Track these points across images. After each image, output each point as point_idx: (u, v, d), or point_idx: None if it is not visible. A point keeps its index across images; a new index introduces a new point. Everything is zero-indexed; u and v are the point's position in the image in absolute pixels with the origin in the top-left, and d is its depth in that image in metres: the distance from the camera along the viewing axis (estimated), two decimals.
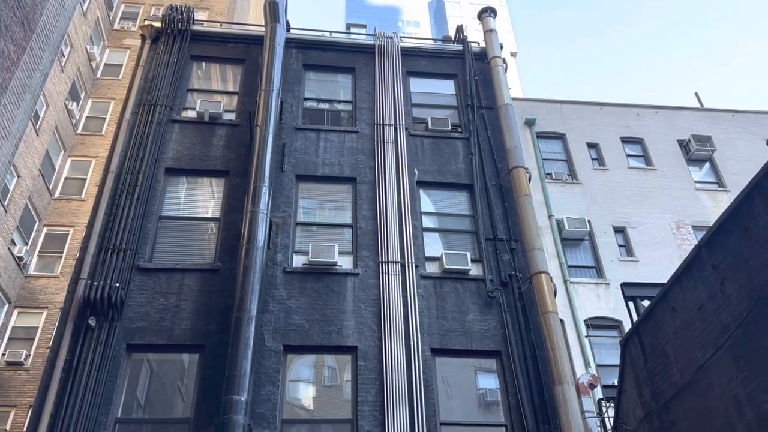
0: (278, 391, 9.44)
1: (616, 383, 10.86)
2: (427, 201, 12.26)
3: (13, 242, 20.60)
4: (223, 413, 8.39)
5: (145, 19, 14.12)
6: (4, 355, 19.82)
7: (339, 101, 13.66)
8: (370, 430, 9.20)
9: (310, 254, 10.75)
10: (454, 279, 11.01)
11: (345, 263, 11.02)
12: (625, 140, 19.51)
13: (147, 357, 9.84)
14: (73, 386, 9.01)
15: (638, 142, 19.59)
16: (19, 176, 20.65)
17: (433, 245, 11.62)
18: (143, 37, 13.63)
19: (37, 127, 21.73)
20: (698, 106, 21.96)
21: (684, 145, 19.48)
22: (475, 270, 11.23)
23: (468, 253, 11.22)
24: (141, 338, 9.74)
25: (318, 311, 10.32)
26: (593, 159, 18.89)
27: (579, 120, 19.62)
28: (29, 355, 20.08)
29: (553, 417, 9.54)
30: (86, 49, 25.57)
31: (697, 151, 19.15)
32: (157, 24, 13.71)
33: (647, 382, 8.28)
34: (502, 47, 14.54)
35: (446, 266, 11.02)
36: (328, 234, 11.49)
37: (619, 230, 17.44)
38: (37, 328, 20.76)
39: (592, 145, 19.16)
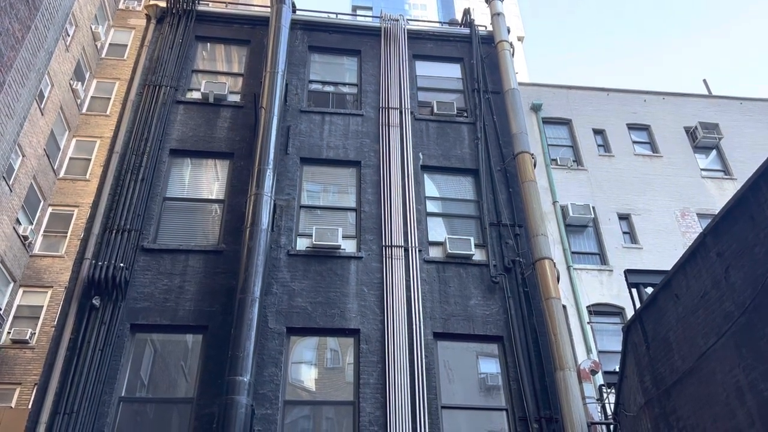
0: (281, 372, 9.50)
1: (617, 369, 10.89)
2: (431, 185, 12.23)
3: (18, 222, 20.68)
4: (226, 393, 8.46)
5: None
6: (9, 333, 19.98)
7: (344, 84, 13.59)
8: (372, 412, 9.27)
9: (313, 237, 10.76)
10: (457, 264, 11.02)
11: (348, 247, 11.03)
12: (632, 127, 19.39)
13: (151, 337, 9.91)
14: (78, 365, 9.08)
15: (644, 128, 19.46)
16: (24, 156, 20.66)
17: (437, 230, 11.62)
18: (148, 17, 13.55)
19: (42, 106, 21.70)
20: (706, 92, 21.78)
21: (691, 133, 19.35)
22: (478, 255, 11.23)
23: (472, 238, 11.22)
24: (145, 318, 9.79)
25: (321, 294, 10.35)
26: (599, 145, 18.78)
27: (585, 106, 19.49)
28: (34, 333, 20.23)
29: (554, 402, 9.60)
30: (91, 28, 25.45)
31: (704, 139, 19.01)
32: (163, 4, 13.63)
33: (649, 369, 8.30)
34: (509, 31, 14.42)
35: (450, 251, 11.02)
36: (332, 217, 11.50)
37: (624, 217, 17.39)
38: (42, 307, 20.90)
39: (598, 131, 19.05)
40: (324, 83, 13.58)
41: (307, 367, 10.05)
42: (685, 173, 18.48)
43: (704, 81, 22.61)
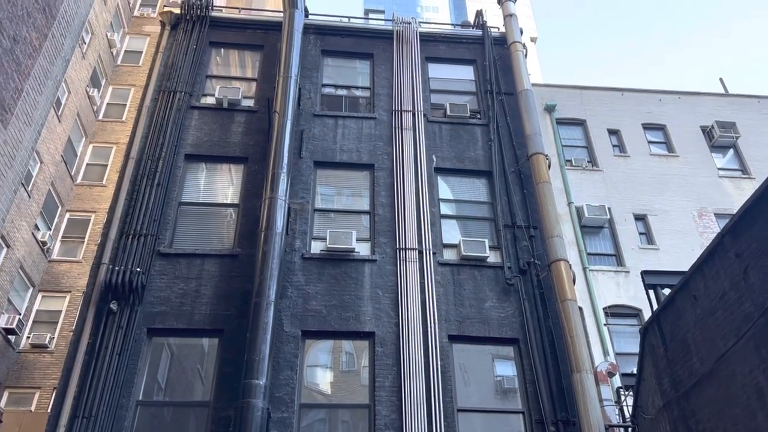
0: (296, 375, 9.53)
1: (635, 372, 10.79)
2: (445, 188, 12.21)
3: (36, 227, 20.93)
4: (242, 397, 8.49)
5: (164, 6, 14.15)
6: (28, 338, 20.21)
7: (357, 87, 13.62)
8: (388, 415, 9.26)
9: (328, 240, 10.78)
10: (472, 266, 10.99)
11: (363, 250, 11.04)
12: (647, 126, 19.23)
13: (167, 341, 9.97)
14: (96, 369, 9.17)
15: (660, 128, 19.29)
16: (42, 162, 20.93)
17: (451, 232, 11.60)
18: (163, 24, 13.69)
19: (59, 113, 21.97)
20: (722, 91, 21.55)
21: (707, 132, 19.16)
22: (493, 257, 11.19)
23: (486, 240, 11.18)
24: (161, 322, 9.86)
25: (336, 297, 10.36)
26: (614, 146, 18.65)
27: (600, 106, 19.37)
28: (53, 338, 20.45)
29: (570, 405, 9.53)
30: (107, 35, 25.74)
31: (720, 138, 18.81)
32: (177, 10, 13.75)
33: (667, 371, 8.22)
34: (522, 32, 14.37)
35: (464, 253, 10.99)
36: (346, 220, 11.52)
37: (640, 218, 17.24)
38: (61, 311, 21.13)
39: (612, 132, 18.92)
40: (337, 87, 13.62)
41: (322, 370, 10.06)
42: (702, 173, 18.29)
43: (720, 80, 22.38)
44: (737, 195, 17.73)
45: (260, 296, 9.34)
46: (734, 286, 6.70)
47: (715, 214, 17.40)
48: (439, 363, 9.80)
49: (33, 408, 19.30)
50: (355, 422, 9.44)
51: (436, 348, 9.92)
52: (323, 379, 9.99)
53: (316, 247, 10.99)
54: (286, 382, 9.42)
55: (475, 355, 10.27)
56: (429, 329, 10.09)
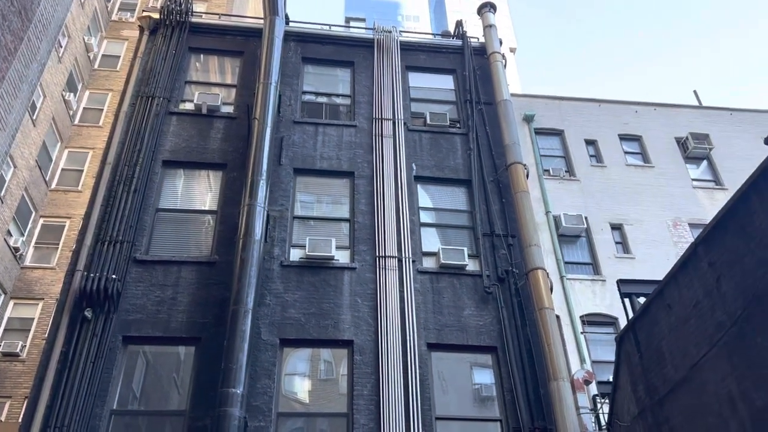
0: (274, 384, 9.46)
1: (611, 379, 10.90)
2: (424, 196, 12.26)
3: (9, 233, 20.56)
4: (218, 406, 8.41)
5: (143, 10, 14.05)
6: None
7: (337, 95, 13.63)
8: (366, 424, 9.23)
9: (307, 248, 10.75)
10: (450, 274, 11.02)
11: (342, 257, 11.02)
12: (623, 137, 19.51)
13: (143, 349, 9.84)
14: (69, 378, 9.01)
15: (636, 139, 19.59)
16: (15, 167, 20.58)
17: (431, 240, 11.63)
18: (141, 29, 13.57)
19: (34, 117, 21.65)
20: (697, 104, 21.97)
21: (682, 143, 19.50)
22: (471, 265, 11.24)
23: (465, 249, 11.24)
24: (137, 330, 9.73)
25: (314, 305, 10.32)
26: (591, 156, 18.89)
27: (577, 116, 19.61)
28: (25, 346, 20.06)
29: (548, 412, 9.59)
30: (84, 39, 25.46)
31: (694, 149, 19.16)
32: (156, 15, 13.65)
33: (642, 379, 8.32)
34: (501, 43, 14.51)
35: (443, 261, 11.03)
36: (326, 228, 11.49)
37: (616, 227, 17.46)
38: (33, 319, 20.75)
39: (590, 142, 19.16)
40: (317, 94, 13.62)
41: (300, 379, 10.00)
42: (677, 183, 18.59)
43: (694, 92, 22.83)
44: (710, 205, 18.05)
45: (238, 304, 9.27)
46: (707, 294, 6.81)
47: (689, 224, 17.68)
48: (417, 371, 9.80)
49: (3, 418, 18.88)
50: (334, 431, 9.39)
51: (414, 356, 9.92)
52: (301, 388, 9.93)
53: (295, 255, 10.95)
54: (263, 391, 9.34)
55: (454, 363, 10.30)
56: (408, 337, 10.10)
